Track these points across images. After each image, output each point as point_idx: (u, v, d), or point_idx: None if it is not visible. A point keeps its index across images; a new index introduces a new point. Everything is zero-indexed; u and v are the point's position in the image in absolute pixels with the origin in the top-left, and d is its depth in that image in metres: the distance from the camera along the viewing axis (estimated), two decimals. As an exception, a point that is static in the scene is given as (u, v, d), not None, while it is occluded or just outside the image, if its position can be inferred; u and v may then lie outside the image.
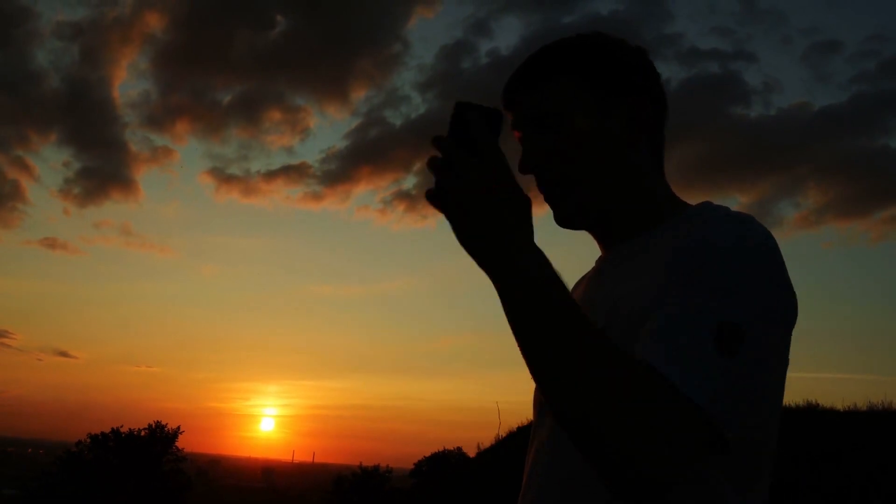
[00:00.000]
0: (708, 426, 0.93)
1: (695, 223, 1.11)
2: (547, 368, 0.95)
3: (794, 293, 1.07)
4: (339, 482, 32.00)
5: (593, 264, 1.34)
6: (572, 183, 1.19)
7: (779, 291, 1.04)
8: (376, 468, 34.12)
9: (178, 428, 36.50)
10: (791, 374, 1.09)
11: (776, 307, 1.03)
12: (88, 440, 35.02)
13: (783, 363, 1.08)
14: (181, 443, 36.87)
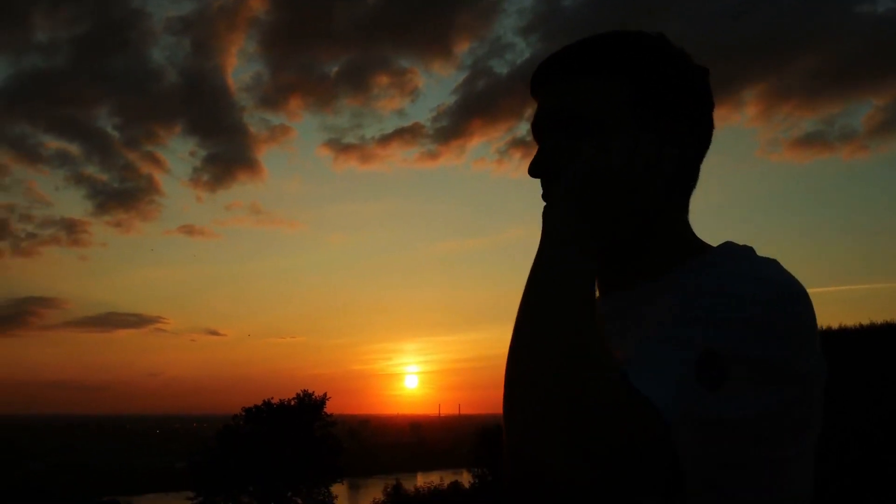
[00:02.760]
0: (667, 450, 0.80)
1: (716, 268, 0.96)
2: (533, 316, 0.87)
3: (818, 354, 0.91)
4: (484, 433, 32.54)
5: None
6: None
7: (796, 348, 0.87)
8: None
9: (325, 395, 37.81)
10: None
11: (789, 364, 0.87)
12: (243, 413, 36.82)
13: (795, 434, 0.90)
14: (331, 407, 38.13)
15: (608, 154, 0.95)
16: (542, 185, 1.06)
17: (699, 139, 1.05)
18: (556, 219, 0.94)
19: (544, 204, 1.03)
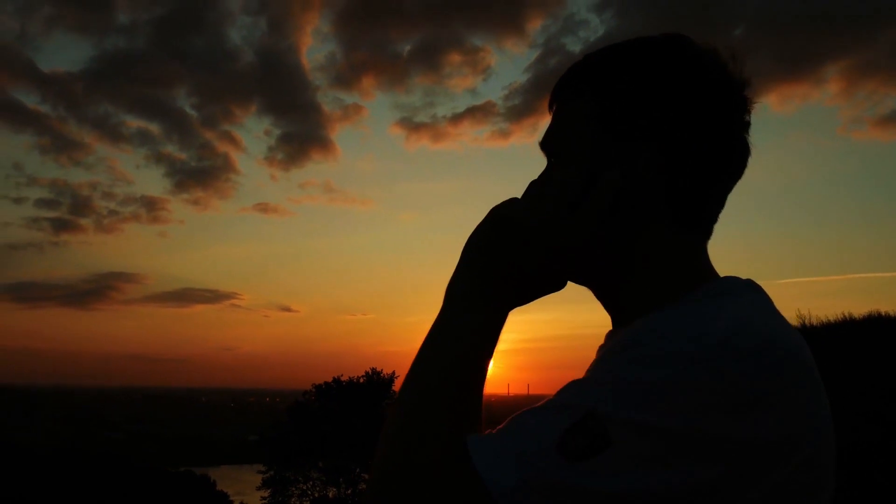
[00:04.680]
0: None
1: (669, 312, 0.82)
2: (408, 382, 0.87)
3: (779, 426, 0.72)
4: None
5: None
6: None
7: (725, 417, 0.70)
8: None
9: (394, 373, 38.09)
10: None
11: (689, 428, 0.70)
12: (313, 390, 37.37)
13: None
14: (400, 385, 38.44)
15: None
16: None
17: (696, 157, 0.88)
18: (453, 277, 0.92)
19: None
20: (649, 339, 0.76)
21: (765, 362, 0.73)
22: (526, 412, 0.79)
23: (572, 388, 0.78)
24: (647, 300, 0.89)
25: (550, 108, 0.98)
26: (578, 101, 0.93)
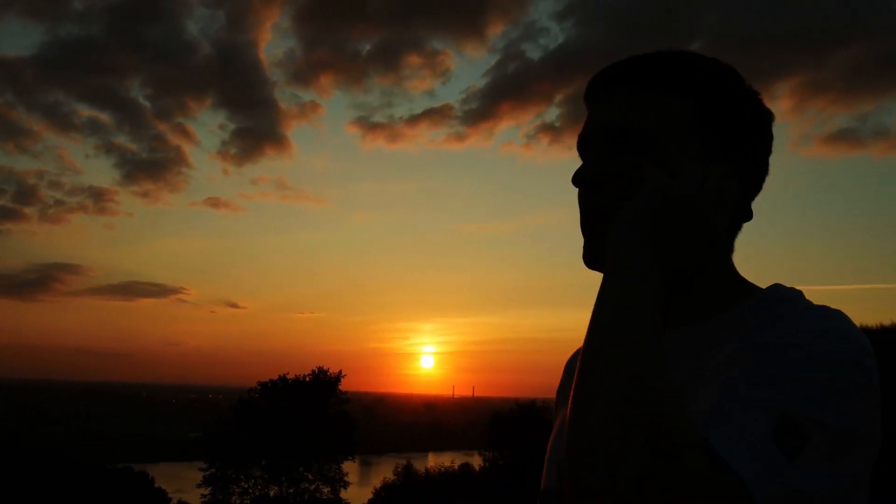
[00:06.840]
0: None
1: (770, 315, 0.90)
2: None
3: (878, 416, 0.82)
4: (496, 418, 32.72)
5: None
6: None
7: (871, 411, 0.80)
8: (533, 402, 34.42)
9: (340, 372, 38.08)
10: None
11: (866, 430, 0.80)
12: (258, 387, 37.16)
13: (858, 497, 0.81)
14: (346, 384, 38.49)
15: (679, 180, 0.88)
16: (585, 195, 0.98)
17: (758, 180, 0.99)
18: (626, 248, 0.85)
19: (580, 214, 0.99)
20: (804, 340, 0.81)
21: (875, 366, 0.82)
22: (724, 406, 0.78)
23: (755, 386, 0.78)
24: (712, 301, 0.95)
25: (612, 92, 0.97)
26: (675, 97, 0.94)
